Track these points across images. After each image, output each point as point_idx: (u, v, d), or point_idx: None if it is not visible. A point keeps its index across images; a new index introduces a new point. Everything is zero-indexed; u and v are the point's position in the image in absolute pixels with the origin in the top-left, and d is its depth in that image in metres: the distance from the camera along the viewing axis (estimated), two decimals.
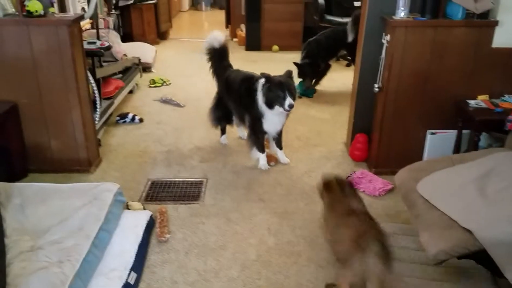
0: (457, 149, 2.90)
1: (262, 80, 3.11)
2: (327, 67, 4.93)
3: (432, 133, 2.94)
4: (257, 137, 3.21)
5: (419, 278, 2.08)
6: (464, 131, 2.85)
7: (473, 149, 2.70)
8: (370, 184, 2.88)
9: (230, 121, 3.59)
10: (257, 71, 5.38)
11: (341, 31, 4.74)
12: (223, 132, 3.66)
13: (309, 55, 4.74)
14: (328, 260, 2.28)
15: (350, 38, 4.57)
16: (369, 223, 1.84)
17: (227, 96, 3.41)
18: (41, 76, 2.80)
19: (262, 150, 3.24)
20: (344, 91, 4.86)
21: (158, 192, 2.90)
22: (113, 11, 5.89)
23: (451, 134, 2.90)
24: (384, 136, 2.98)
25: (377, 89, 2.92)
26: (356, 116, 3.28)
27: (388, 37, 2.76)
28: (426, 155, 2.99)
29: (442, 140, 2.95)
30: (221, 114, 3.55)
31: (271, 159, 3.30)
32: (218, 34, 3.46)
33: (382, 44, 2.83)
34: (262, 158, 3.24)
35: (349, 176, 3.04)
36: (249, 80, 3.26)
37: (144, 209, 2.64)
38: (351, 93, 3.39)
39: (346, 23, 4.73)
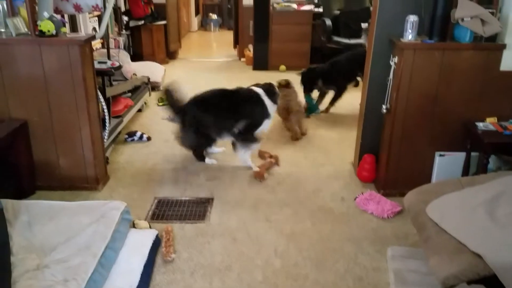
0: (466, 171, 2.88)
1: (261, 91, 3.50)
2: (343, 90, 4.83)
3: (441, 155, 2.92)
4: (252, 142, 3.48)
5: None
6: (472, 153, 2.84)
7: (482, 172, 2.68)
8: (378, 205, 2.85)
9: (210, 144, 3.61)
10: None
11: (360, 55, 4.67)
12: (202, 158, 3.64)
13: (322, 73, 4.70)
14: (336, 282, 2.25)
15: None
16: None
17: (207, 118, 3.38)
18: (52, 94, 2.84)
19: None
20: (352, 111, 4.86)
21: (165, 211, 2.90)
22: (124, 31, 5.99)
23: (460, 156, 2.89)
24: (392, 157, 2.97)
25: (385, 110, 2.92)
26: (363, 136, 3.28)
27: (396, 59, 2.78)
28: (434, 177, 2.97)
29: (450, 162, 2.93)
30: (203, 142, 3.53)
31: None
32: None
33: (390, 65, 2.85)
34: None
35: (356, 197, 3.02)
36: (240, 93, 3.53)
37: (150, 227, 2.63)
38: (359, 113, 3.40)
39: (357, 45, 4.74)
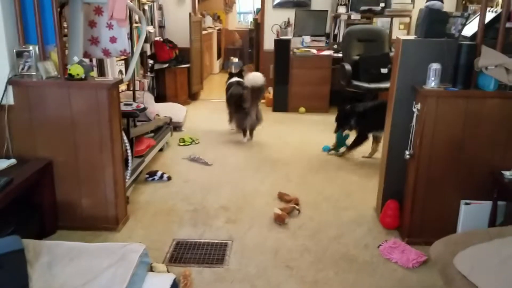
0: (492, 221, 2.78)
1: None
2: (365, 138, 4.70)
3: (467, 203, 2.84)
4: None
5: None
6: (499, 203, 2.76)
7: (510, 222, 2.59)
8: (403, 254, 2.76)
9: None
10: (284, 132, 5.53)
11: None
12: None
13: (350, 108, 4.67)
14: None
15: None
16: None
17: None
18: (78, 135, 2.91)
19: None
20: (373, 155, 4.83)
21: (183, 254, 2.86)
22: (149, 74, 6.18)
23: (486, 205, 2.80)
24: (416, 204, 2.90)
25: (408, 156, 2.89)
26: (386, 182, 3.23)
27: (419, 106, 2.77)
28: (460, 225, 2.88)
29: (476, 211, 2.84)
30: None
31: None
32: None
33: (413, 111, 2.84)
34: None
35: (380, 245, 2.93)
36: None
37: (168, 271, 2.59)
38: (381, 157, 3.36)
39: (374, 89, 4.75)
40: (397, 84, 2.98)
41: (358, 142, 4.69)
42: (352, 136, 4.81)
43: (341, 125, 4.77)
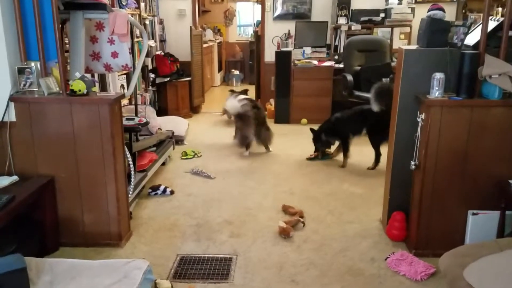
0: (501, 231, 2.74)
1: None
2: (347, 143, 4.93)
3: (474, 214, 2.80)
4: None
5: None
6: (507, 213, 2.72)
7: None
8: (411, 267, 2.72)
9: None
10: (286, 144, 5.50)
11: (364, 111, 4.77)
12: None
13: (324, 128, 5.00)
14: None
15: (375, 108, 4.60)
16: None
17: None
18: (80, 151, 2.89)
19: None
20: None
21: (187, 269, 2.82)
22: (150, 88, 6.18)
23: (494, 215, 2.76)
24: (423, 215, 2.86)
25: (413, 167, 2.86)
26: (392, 193, 3.19)
27: (423, 116, 2.75)
28: (468, 236, 2.83)
29: (484, 221, 2.80)
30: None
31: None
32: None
33: (417, 121, 2.82)
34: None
35: (387, 257, 2.89)
36: None
37: (173, 287, 2.55)
38: (385, 169, 3.33)
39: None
40: (400, 94, 2.96)
41: (345, 147, 4.95)
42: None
43: (318, 146, 5.07)
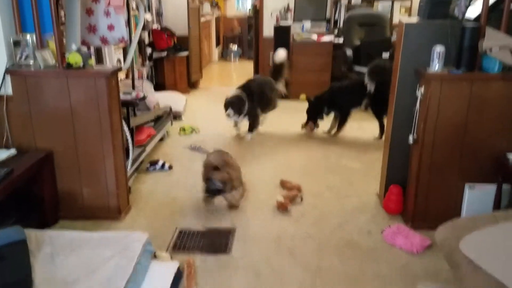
0: (497, 204, 2.77)
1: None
2: (346, 116, 4.96)
3: (471, 187, 2.82)
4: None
5: None
6: (504, 186, 2.73)
7: None
8: (407, 240, 2.75)
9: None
10: (285, 120, 5.48)
11: (363, 82, 4.79)
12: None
13: (317, 98, 4.96)
14: None
15: (370, 88, 4.62)
16: None
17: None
18: (78, 126, 2.87)
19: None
20: (375, 140, 4.81)
21: (186, 242, 2.85)
22: (147, 62, 6.11)
23: (491, 188, 2.78)
24: (420, 189, 2.88)
25: (412, 141, 2.86)
26: (389, 167, 3.21)
27: (422, 90, 2.74)
28: (464, 209, 2.86)
29: (481, 195, 2.83)
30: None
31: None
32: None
33: (416, 95, 2.80)
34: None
35: (383, 231, 2.92)
36: None
37: (172, 259, 2.58)
38: (384, 143, 3.33)
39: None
40: (400, 68, 2.94)
41: (343, 121, 4.97)
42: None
43: (314, 116, 5.04)
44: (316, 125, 5.08)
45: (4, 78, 2.77)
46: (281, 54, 5.29)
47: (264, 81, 5.20)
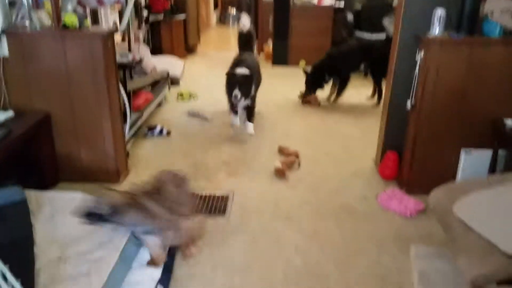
0: (492, 170, 2.80)
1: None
2: (346, 80, 4.93)
3: (467, 152, 2.84)
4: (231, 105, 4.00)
5: None
6: (500, 152, 2.76)
7: (510, 170, 2.60)
8: (401, 204, 2.79)
9: None
10: (284, 86, 5.44)
11: (362, 45, 4.75)
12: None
13: (316, 67, 4.87)
14: (358, 282, 2.21)
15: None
16: None
17: None
18: (74, 87, 2.85)
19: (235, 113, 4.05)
20: (374, 107, 4.81)
21: None
22: (143, 25, 6.00)
23: (487, 153, 2.81)
24: (416, 154, 2.90)
25: (410, 107, 2.86)
26: (387, 133, 3.22)
27: (422, 54, 2.71)
28: (460, 174, 2.89)
29: (477, 160, 2.85)
30: None
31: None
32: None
33: (416, 60, 2.78)
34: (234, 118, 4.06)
35: (378, 195, 2.96)
36: None
37: None
38: (382, 109, 3.33)
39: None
40: (400, 34, 2.90)
41: (343, 86, 4.93)
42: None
43: (315, 87, 4.94)
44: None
45: (0, 39, 2.72)
46: (245, 21, 4.50)
47: (253, 57, 4.50)
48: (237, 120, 4.10)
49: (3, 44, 2.75)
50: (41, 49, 2.76)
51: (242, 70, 3.83)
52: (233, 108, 4.05)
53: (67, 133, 2.97)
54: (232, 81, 3.80)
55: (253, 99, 4.04)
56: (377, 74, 4.81)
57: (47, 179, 2.97)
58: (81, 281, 1.84)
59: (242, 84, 3.77)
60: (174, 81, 5.47)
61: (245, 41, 4.50)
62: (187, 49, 7.10)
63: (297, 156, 3.53)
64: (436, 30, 2.66)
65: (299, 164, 3.45)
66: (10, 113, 2.75)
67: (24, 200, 2.14)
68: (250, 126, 4.00)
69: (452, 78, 2.71)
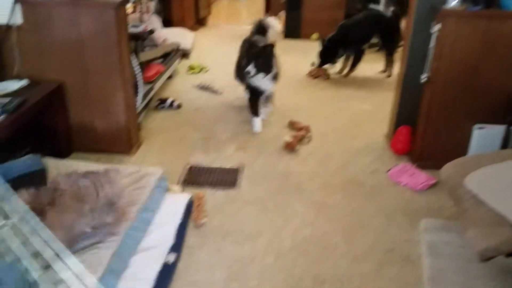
0: (504, 145, 2.78)
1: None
2: (361, 53, 4.87)
3: (479, 128, 2.82)
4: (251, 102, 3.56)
5: (463, 275, 2.01)
6: None
7: None
8: (412, 178, 2.80)
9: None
10: (295, 60, 5.39)
11: (374, 15, 4.67)
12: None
13: (331, 40, 4.77)
14: (366, 252, 2.25)
15: (388, 14, 4.56)
16: None
17: None
18: (87, 57, 2.86)
19: (256, 113, 3.56)
20: (387, 81, 4.76)
21: (196, 177, 2.92)
22: None
23: (499, 129, 2.79)
24: (429, 129, 2.89)
25: (424, 80, 2.83)
26: (400, 107, 3.20)
27: (438, 27, 2.66)
28: (472, 149, 2.88)
29: (489, 135, 2.83)
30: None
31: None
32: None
33: (431, 33, 2.73)
34: (256, 122, 3.57)
35: (389, 169, 2.97)
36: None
37: (183, 192, 2.67)
38: (396, 83, 3.30)
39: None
40: (416, 5, 2.85)
41: (358, 59, 4.86)
42: None
43: (327, 60, 4.83)
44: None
45: (14, 7, 2.72)
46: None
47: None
48: (259, 124, 3.59)
49: (17, 11, 2.74)
50: (54, 17, 2.76)
51: (257, 38, 3.50)
52: (254, 107, 3.56)
53: (81, 103, 2.99)
54: (248, 52, 3.35)
55: (276, 78, 3.54)
56: (389, 46, 4.74)
57: (62, 148, 3.02)
58: (92, 251, 1.85)
59: (259, 56, 3.23)
60: (185, 54, 5.44)
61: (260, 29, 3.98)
62: (198, 21, 7.02)
63: (308, 130, 3.53)
64: (452, 1, 2.60)
65: (309, 139, 3.45)
66: (24, 82, 2.77)
67: (43, 169, 2.18)
68: (264, 113, 3.70)
69: (468, 52, 2.66)
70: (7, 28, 2.76)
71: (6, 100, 2.47)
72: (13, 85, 2.73)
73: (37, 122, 2.86)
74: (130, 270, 1.94)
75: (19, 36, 2.79)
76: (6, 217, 1.04)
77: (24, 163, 2.21)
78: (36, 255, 0.96)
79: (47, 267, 0.85)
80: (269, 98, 3.77)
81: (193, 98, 4.31)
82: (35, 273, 0.91)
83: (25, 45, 2.83)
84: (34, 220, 0.92)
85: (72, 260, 0.74)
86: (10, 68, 2.86)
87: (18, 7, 2.74)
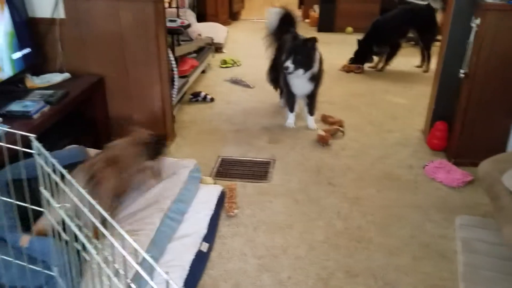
0: None
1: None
2: (396, 48, 4.79)
3: None
4: (288, 98, 3.52)
5: (497, 272, 1.98)
6: None
7: None
8: (448, 174, 2.75)
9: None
10: (329, 54, 5.33)
11: (409, 10, 4.58)
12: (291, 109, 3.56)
13: (365, 38, 4.74)
14: (400, 247, 2.23)
15: (437, 5, 4.50)
16: None
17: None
18: (127, 51, 2.93)
19: (291, 109, 3.53)
20: (424, 76, 4.66)
21: (228, 169, 2.97)
22: None
23: None
24: (467, 125, 2.83)
25: (463, 75, 2.76)
26: (437, 102, 3.14)
27: (478, 21, 2.59)
28: (510, 146, 2.80)
29: None
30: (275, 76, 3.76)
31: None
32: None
33: (471, 27, 2.66)
34: (290, 117, 3.55)
35: (425, 165, 2.92)
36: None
37: (215, 184, 2.71)
38: (433, 77, 3.23)
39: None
40: None
41: (393, 53, 4.80)
42: None
43: (362, 61, 4.81)
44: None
45: (57, 1, 2.82)
46: None
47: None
48: (292, 119, 3.55)
49: (60, 6, 2.84)
50: (95, 11, 2.84)
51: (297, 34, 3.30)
52: (291, 104, 3.49)
53: (119, 96, 3.08)
54: (287, 46, 3.16)
55: (319, 79, 3.37)
56: (425, 40, 4.64)
57: (101, 140, 3.11)
58: (133, 235, 1.92)
59: (298, 52, 3.04)
60: (218, 48, 5.50)
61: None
62: (231, 16, 7.06)
63: (341, 125, 3.50)
64: None
65: (343, 133, 3.43)
66: (66, 75, 2.88)
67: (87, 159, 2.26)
68: (311, 120, 3.52)
69: (508, 46, 2.59)
70: (51, 21, 2.87)
71: (50, 92, 2.58)
72: (56, 77, 2.84)
73: (78, 114, 2.96)
74: (167, 256, 2.00)
75: (61, 30, 2.90)
76: (65, 199, 1.11)
77: (69, 153, 2.30)
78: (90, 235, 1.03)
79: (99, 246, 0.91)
80: (313, 102, 3.48)
81: (225, 92, 4.36)
82: (91, 252, 0.97)
83: (68, 39, 2.93)
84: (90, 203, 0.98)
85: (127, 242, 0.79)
86: (53, 61, 2.97)
87: (61, 1, 2.84)
